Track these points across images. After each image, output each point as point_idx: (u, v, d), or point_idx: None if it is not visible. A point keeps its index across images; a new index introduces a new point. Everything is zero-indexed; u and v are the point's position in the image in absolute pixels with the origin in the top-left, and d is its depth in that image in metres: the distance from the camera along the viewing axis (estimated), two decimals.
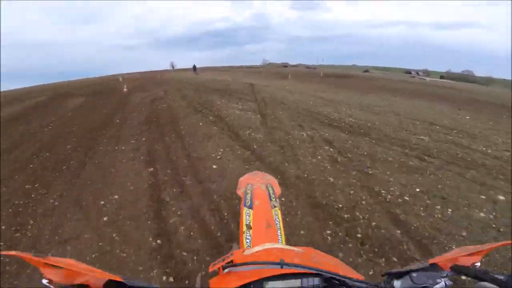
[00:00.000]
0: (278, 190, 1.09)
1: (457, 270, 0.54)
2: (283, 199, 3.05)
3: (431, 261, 0.58)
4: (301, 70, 43.42)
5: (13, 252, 0.47)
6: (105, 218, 2.81)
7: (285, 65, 75.06)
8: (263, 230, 0.83)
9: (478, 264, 0.56)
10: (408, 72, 63.62)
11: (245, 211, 0.89)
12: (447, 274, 0.55)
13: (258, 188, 1.01)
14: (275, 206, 0.93)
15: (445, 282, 0.52)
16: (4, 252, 0.53)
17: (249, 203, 0.93)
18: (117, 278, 0.49)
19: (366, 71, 54.64)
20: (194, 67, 30.19)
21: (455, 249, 0.61)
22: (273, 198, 0.97)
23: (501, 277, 0.47)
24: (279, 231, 0.83)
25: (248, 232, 0.82)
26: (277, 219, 0.88)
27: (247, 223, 0.85)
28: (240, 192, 1.05)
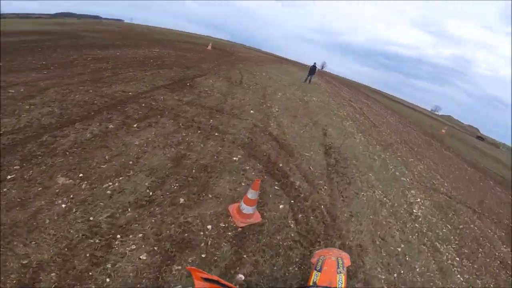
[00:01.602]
0: (347, 262, 1.40)
1: None
2: None
3: None
4: None
5: (192, 268, 0.93)
6: None
7: (481, 138, 41.74)
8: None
9: None
10: None
11: (314, 273, 1.23)
12: None
13: (328, 259, 1.33)
14: (341, 272, 1.22)
15: None
16: (188, 268, 0.99)
17: (319, 268, 1.26)
18: None
19: None
20: (313, 67, 15.54)
21: None
22: (340, 266, 1.27)
23: None
24: None
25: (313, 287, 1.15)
26: (341, 281, 1.17)
27: (314, 281, 1.18)
28: (313, 260, 1.40)
